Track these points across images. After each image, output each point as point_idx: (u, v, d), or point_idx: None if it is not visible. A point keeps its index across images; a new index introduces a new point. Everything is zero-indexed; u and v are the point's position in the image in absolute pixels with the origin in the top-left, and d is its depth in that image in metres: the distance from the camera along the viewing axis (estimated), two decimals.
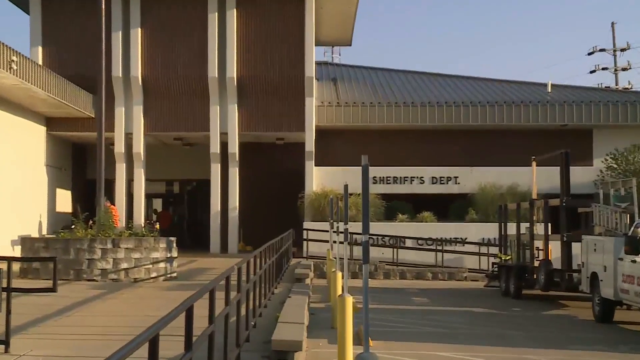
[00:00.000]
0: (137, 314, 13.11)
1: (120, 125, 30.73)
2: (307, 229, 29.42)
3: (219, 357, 7.66)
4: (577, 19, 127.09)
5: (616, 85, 60.03)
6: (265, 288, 14.52)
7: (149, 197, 35.46)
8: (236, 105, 30.86)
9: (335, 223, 19.96)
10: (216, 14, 30.48)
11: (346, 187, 13.17)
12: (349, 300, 11.31)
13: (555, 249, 21.77)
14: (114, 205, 27.43)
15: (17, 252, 23.31)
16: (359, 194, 27.34)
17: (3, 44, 21.41)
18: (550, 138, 32.63)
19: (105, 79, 22.64)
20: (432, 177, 32.39)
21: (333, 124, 33.05)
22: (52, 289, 16.39)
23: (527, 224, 23.08)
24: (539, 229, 22.71)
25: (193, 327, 5.82)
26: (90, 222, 22.04)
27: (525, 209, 23.88)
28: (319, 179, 31.47)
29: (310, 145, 31.03)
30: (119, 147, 30.75)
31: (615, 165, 31.46)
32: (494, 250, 28.00)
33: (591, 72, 63.57)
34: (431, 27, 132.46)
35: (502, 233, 25.23)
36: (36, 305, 13.90)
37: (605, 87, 52.92)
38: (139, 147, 30.80)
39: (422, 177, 32.37)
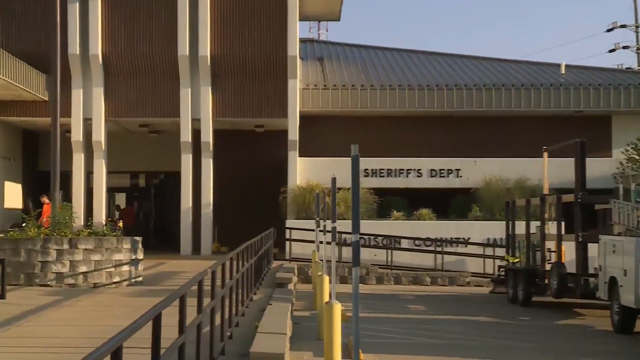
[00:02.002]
0: (97, 324, 13.08)
1: (77, 109, 30.60)
2: (290, 228, 29.44)
3: None
4: None
5: (638, 65, 60.30)
6: (243, 294, 14.54)
7: (110, 191, 35.33)
8: (210, 87, 30.79)
9: (321, 221, 20.00)
10: None
11: (334, 180, 13.19)
12: (337, 307, 11.34)
13: (569, 250, 21.88)
14: (49, 201, 26.06)
15: None
16: (348, 189, 27.31)
17: None
18: (563, 125, 32.74)
19: (61, 56, 22.51)
20: (431, 170, 32.47)
21: (319, 109, 33.02)
22: (0, 296, 16.33)
23: (538, 223, 23.18)
24: (551, 228, 22.81)
25: (161, 338, 5.82)
26: (44, 219, 21.93)
27: (536, 206, 23.96)
28: (304, 171, 31.48)
29: (293, 133, 31.02)
30: (77, 135, 30.62)
31: (636, 157, 31.61)
32: (500, 251, 28.11)
33: (610, 51, 63.85)
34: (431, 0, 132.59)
35: (510, 232, 25.33)
36: None
37: (626, 68, 53.17)
38: (100, 134, 30.69)
39: (420, 170, 32.45)
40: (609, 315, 18.16)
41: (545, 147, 25.68)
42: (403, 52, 40.96)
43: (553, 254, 22.91)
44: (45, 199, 25.78)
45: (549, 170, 25.72)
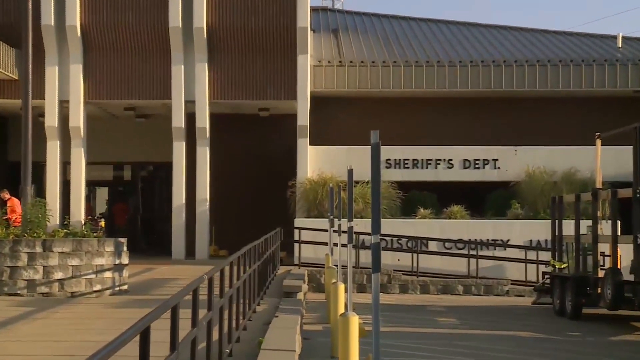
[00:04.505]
0: (76, 339, 13.12)
1: (52, 90, 30.66)
2: (300, 228, 29.44)
3: None
4: None
5: None
6: (245, 305, 14.55)
7: (91, 185, 35.41)
8: (206, 64, 30.79)
9: (336, 220, 19.97)
10: None
11: (350, 172, 13.16)
12: (354, 320, 11.32)
13: (626, 254, 21.78)
14: (16, 197, 25.78)
15: None
16: (367, 182, 27.31)
17: None
18: (620, 108, 32.59)
19: (33, 28, 22.54)
20: (464, 160, 32.39)
21: (334, 89, 32.97)
22: None
23: (589, 222, 23.09)
24: (605, 228, 22.73)
25: (150, 356, 5.82)
26: (13, 217, 22.00)
27: (587, 202, 23.87)
28: (316, 161, 31.46)
29: (303, 118, 31.00)
30: (51, 120, 30.70)
31: None
32: (545, 256, 28.03)
33: None
34: None
35: (556, 233, 25.25)
36: None
37: None
38: (78, 119, 30.74)
39: (451, 160, 32.36)
40: None
41: (598, 134, 25.55)
42: (431, 22, 40.85)
43: (607, 259, 22.81)
44: (5, 194, 25.74)
45: (603, 161, 25.59)
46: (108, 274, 19.86)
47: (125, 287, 20.55)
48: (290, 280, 22.65)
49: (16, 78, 29.61)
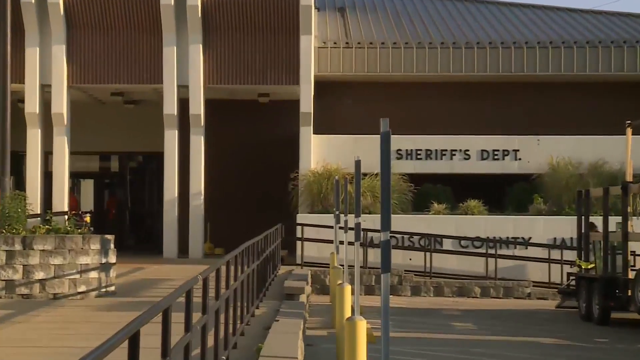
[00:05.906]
0: (58, 345, 13.13)
1: (33, 73, 30.66)
2: (303, 224, 29.45)
3: None
4: None
5: None
6: (243, 308, 14.57)
7: (75, 177, 35.43)
8: (201, 46, 30.77)
9: (342, 215, 19.98)
10: None
11: (358, 163, 13.16)
12: (362, 325, 11.33)
13: None
14: None
15: None
16: (376, 174, 27.30)
17: None
18: None
19: (12, 5, 22.54)
20: (482, 151, 32.37)
21: (340, 73, 32.93)
22: None
23: (619, 218, 23.08)
24: (636, 225, 22.71)
25: None
26: None
27: (616, 196, 23.84)
28: (320, 152, 31.46)
29: (307, 104, 30.98)
30: (32, 106, 30.70)
31: None
32: (570, 255, 28.03)
33: None
34: None
35: (583, 231, 25.24)
36: None
37: None
38: (61, 105, 30.75)
39: (467, 150, 32.35)
40: None
41: (628, 122, 25.53)
42: (446, 0, 40.77)
43: (638, 259, 22.80)
44: None
45: (634, 151, 25.57)
46: (94, 274, 19.87)
47: (113, 288, 20.57)
48: (292, 281, 22.67)
49: None
